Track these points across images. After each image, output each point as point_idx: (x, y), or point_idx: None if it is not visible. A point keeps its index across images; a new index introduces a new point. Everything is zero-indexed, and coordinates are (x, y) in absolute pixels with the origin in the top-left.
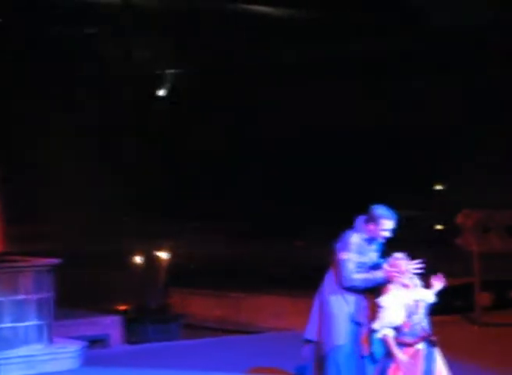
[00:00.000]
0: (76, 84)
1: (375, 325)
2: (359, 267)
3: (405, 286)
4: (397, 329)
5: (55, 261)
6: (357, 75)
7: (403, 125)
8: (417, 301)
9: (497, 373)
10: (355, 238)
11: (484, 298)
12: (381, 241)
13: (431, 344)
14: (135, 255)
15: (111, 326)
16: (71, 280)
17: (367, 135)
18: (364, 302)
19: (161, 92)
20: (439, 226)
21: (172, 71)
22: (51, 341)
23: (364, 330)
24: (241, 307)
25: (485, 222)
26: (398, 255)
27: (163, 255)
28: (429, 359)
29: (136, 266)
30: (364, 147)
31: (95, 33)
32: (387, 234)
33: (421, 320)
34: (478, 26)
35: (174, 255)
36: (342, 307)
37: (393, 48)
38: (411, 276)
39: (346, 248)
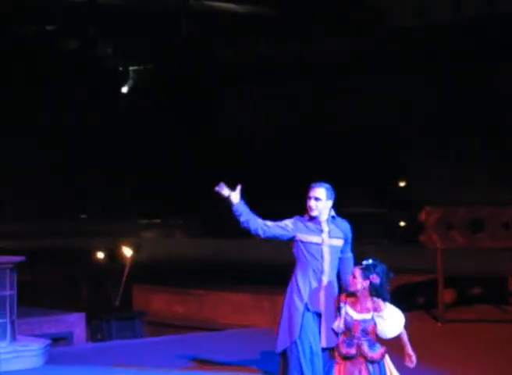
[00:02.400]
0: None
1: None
2: (307, 248)
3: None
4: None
5: (17, 258)
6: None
7: (361, 125)
8: (357, 321)
9: (459, 369)
10: (301, 217)
11: (447, 295)
12: (312, 214)
13: (371, 362)
14: (97, 251)
15: (74, 323)
16: (33, 277)
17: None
18: (322, 291)
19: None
20: (402, 223)
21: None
22: (14, 339)
23: (323, 321)
24: (203, 304)
25: (448, 219)
26: (357, 271)
27: (126, 251)
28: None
29: (98, 262)
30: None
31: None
32: (314, 204)
33: (358, 339)
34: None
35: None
36: (296, 299)
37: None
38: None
39: (292, 218)
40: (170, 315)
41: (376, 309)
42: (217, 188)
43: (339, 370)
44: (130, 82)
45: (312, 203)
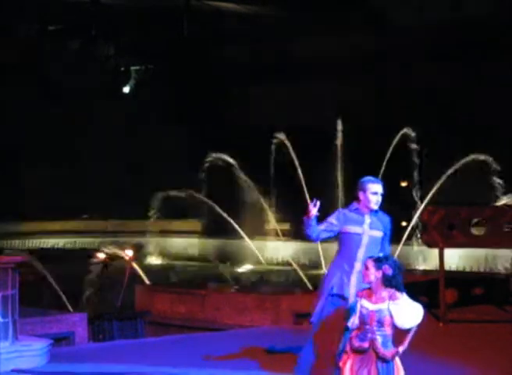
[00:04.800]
0: None
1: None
2: (349, 237)
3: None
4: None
5: (19, 258)
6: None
7: None
8: (372, 312)
9: (461, 369)
10: (344, 210)
11: (449, 295)
12: (373, 206)
13: (382, 360)
14: (99, 252)
15: (76, 323)
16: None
17: None
18: (353, 277)
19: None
20: (404, 223)
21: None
22: (16, 338)
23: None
24: (205, 304)
25: (450, 219)
26: (370, 262)
27: (128, 252)
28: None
29: (100, 262)
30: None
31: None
32: (377, 199)
33: (372, 332)
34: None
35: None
36: (325, 282)
37: None
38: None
39: (333, 214)
40: (172, 315)
41: (391, 297)
42: (312, 206)
43: (345, 361)
44: (132, 82)
45: (378, 198)
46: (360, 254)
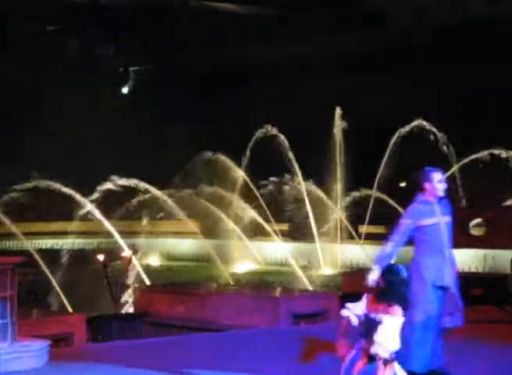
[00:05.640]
0: None
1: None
2: (428, 230)
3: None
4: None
5: (18, 259)
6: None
7: None
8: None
9: (461, 369)
10: (414, 205)
11: None
12: (441, 194)
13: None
14: (98, 253)
15: (75, 324)
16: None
17: None
18: (446, 267)
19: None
20: None
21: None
22: (14, 339)
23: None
24: (205, 305)
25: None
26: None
27: (127, 252)
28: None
29: (99, 264)
30: None
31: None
32: (443, 186)
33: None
34: None
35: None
36: (426, 276)
37: None
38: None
39: (405, 213)
40: (171, 315)
41: (386, 310)
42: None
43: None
44: (131, 82)
45: (444, 185)
46: (445, 241)
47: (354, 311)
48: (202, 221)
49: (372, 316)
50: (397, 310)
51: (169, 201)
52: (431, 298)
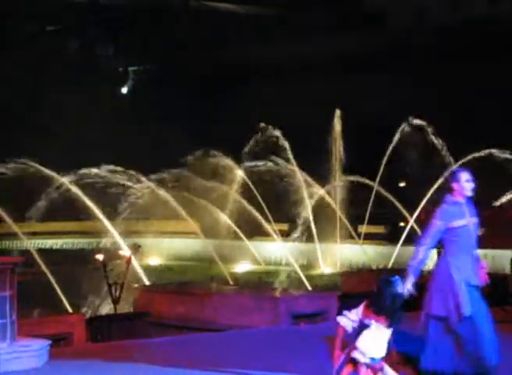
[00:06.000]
0: None
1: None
2: (458, 231)
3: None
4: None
5: (17, 259)
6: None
7: None
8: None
9: None
10: (444, 207)
11: None
12: (469, 194)
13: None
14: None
15: (75, 324)
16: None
17: None
18: (475, 266)
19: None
20: (402, 224)
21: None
22: (14, 339)
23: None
24: (204, 304)
25: None
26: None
27: (126, 252)
28: None
29: (98, 263)
30: None
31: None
32: (470, 185)
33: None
34: None
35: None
36: (456, 276)
37: None
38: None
39: (436, 215)
40: (171, 315)
41: (376, 319)
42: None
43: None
44: (130, 82)
45: (472, 185)
46: (473, 242)
47: (350, 316)
48: (201, 221)
49: (366, 321)
50: (384, 321)
51: (170, 201)
52: (466, 298)
